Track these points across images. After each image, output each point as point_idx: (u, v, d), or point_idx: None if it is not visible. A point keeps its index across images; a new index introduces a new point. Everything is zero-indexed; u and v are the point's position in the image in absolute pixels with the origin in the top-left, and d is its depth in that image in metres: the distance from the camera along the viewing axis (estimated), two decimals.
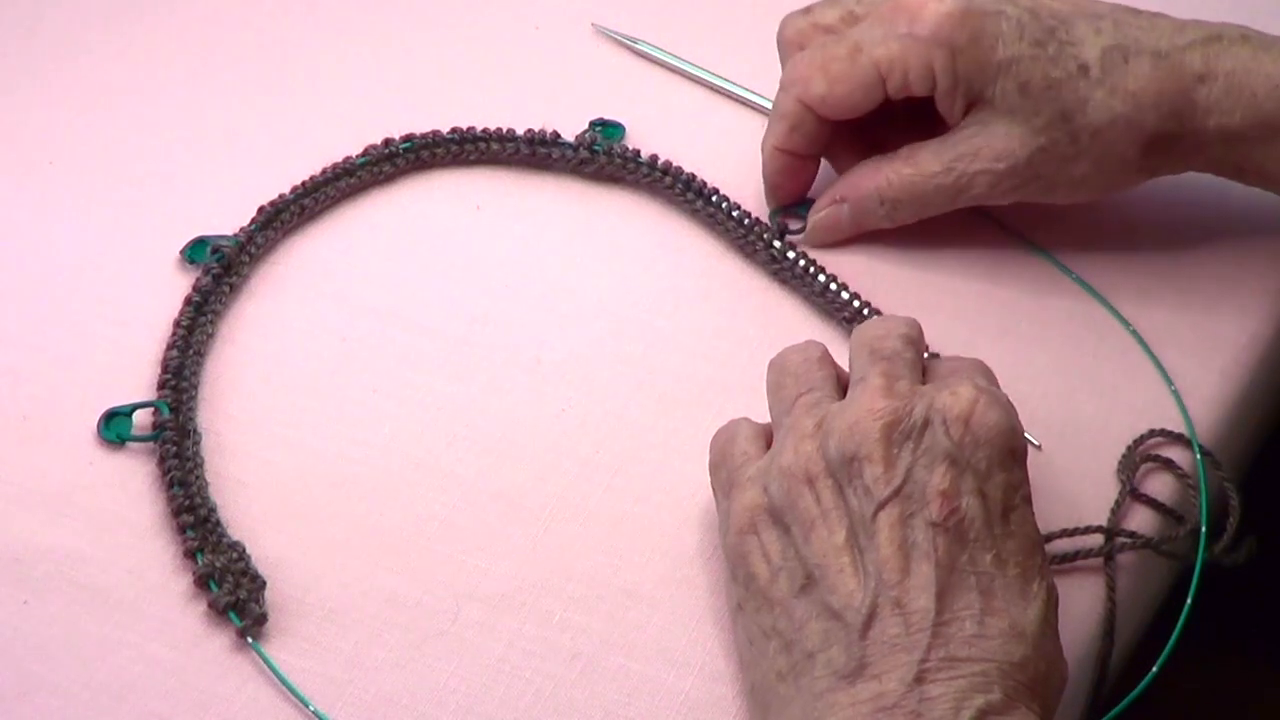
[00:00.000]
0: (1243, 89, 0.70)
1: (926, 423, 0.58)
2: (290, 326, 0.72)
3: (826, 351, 0.64)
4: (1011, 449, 0.59)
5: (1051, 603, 0.58)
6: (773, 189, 0.76)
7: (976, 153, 0.71)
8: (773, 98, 0.79)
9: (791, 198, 0.76)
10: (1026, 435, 0.68)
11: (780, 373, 0.63)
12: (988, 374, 0.63)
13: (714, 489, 0.64)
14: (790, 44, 0.75)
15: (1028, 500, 0.59)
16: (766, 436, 0.63)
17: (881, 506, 0.57)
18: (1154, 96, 0.70)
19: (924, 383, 0.62)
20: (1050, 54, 0.70)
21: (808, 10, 0.75)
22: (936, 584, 0.56)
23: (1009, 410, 0.60)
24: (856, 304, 0.73)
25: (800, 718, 0.56)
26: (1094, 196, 0.74)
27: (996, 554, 0.57)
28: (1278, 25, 0.73)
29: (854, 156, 0.75)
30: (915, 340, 0.63)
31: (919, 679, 0.55)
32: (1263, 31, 0.71)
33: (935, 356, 0.66)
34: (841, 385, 0.62)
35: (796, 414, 0.61)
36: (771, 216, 0.76)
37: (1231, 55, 0.70)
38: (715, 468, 0.64)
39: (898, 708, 0.54)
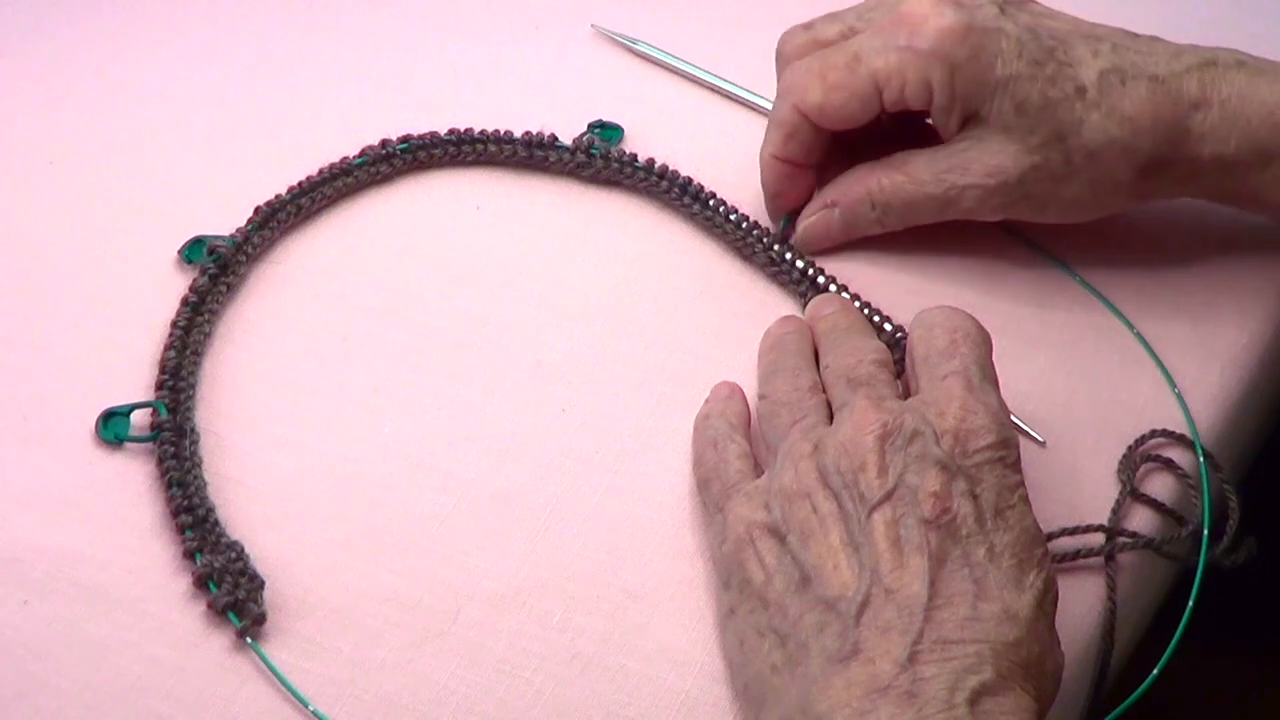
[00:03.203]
0: (1238, 116, 0.70)
1: (917, 433, 0.60)
2: (289, 326, 0.72)
3: (816, 379, 0.65)
4: (1003, 455, 0.60)
5: (1049, 593, 0.58)
6: (772, 197, 0.76)
7: (968, 167, 0.71)
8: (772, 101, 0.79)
9: (791, 206, 0.76)
10: (1030, 431, 0.68)
11: (773, 403, 0.65)
12: (980, 360, 0.63)
13: (704, 503, 0.65)
14: (790, 59, 0.74)
15: (1025, 499, 0.60)
16: (745, 432, 0.65)
17: (875, 508, 0.58)
18: (1150, 121, 0.70)
19: (915, 389, 0.63)
20: (1048, 74, 0.69)
21: (809, 26, 0.75)
22: (929, 573, 0.57)
23: (999, 416, 0.61)
24: (856, 305, 0.73)
25: (795, 705, 0.56)
26: (1085, 218, 0.73)
27: (990, 548, 0.58)
28: (1277, 26, 0.73)
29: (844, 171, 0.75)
30: (886, 363, 0.65)
31: (912, 659, 0.55)
32: (1258, 57, 0.71)
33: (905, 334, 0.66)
34: (830, 414, 0.64)
35: (793, 438, 0.62)
36: (783, 224, 0.75)
37: (1227, 81, 0.70)
38: (706, 483, 0.65)
39: (891, 688, 0.55)
